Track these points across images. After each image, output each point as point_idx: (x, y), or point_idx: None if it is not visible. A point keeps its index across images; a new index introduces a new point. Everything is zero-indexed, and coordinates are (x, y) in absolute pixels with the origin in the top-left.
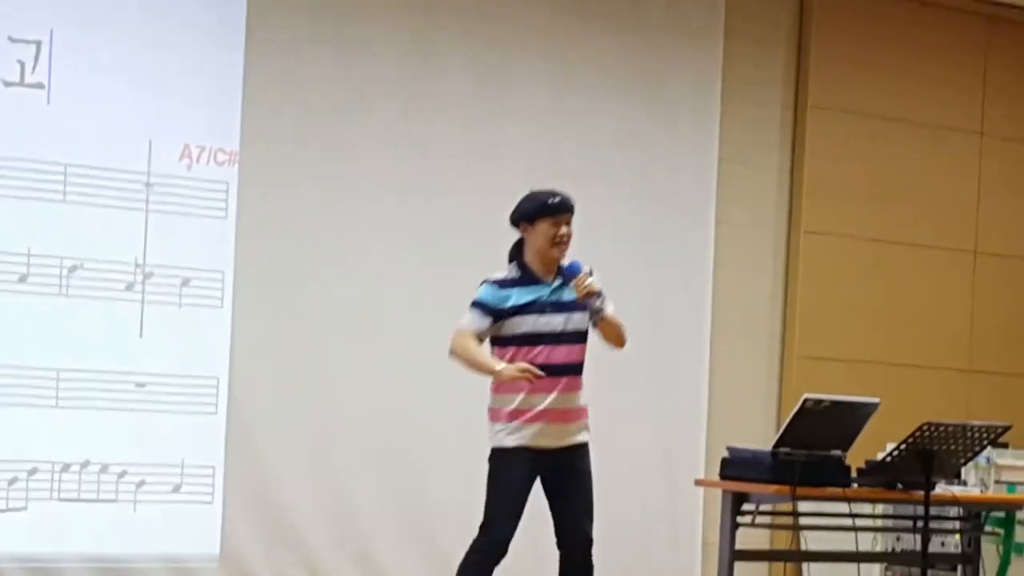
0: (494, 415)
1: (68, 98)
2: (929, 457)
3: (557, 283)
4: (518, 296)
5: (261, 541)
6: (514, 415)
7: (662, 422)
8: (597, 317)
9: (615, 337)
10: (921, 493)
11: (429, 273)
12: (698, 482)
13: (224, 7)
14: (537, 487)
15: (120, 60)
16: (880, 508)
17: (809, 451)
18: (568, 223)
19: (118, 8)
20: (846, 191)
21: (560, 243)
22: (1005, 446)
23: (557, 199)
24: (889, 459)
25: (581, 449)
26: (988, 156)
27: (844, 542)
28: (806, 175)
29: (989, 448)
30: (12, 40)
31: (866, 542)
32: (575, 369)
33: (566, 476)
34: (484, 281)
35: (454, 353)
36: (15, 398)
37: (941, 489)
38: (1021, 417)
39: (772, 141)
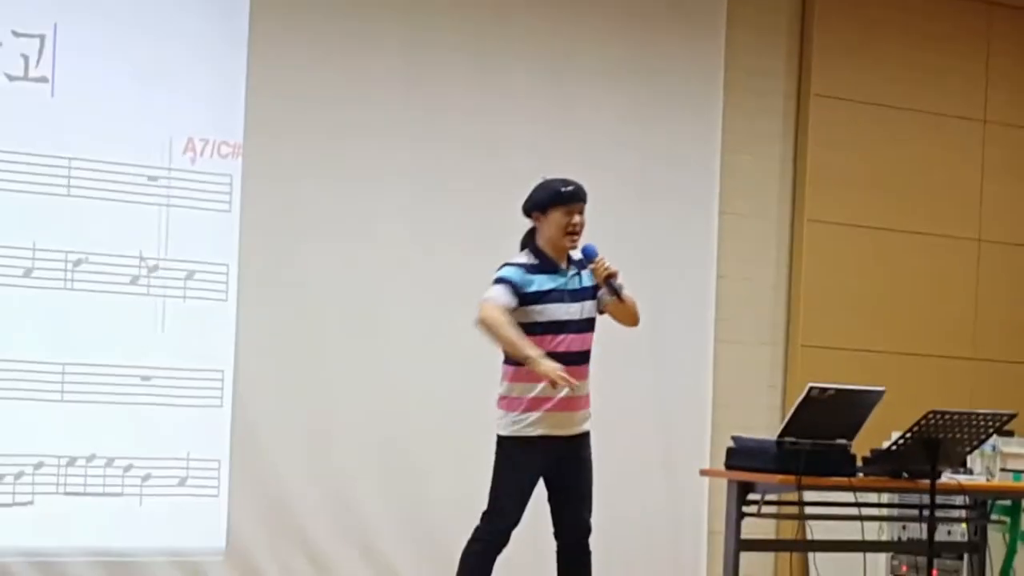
0: (511, 403)
1: (72, 92)
2: (935, 445)
3: (572, 271)
4: (540, 283)
5: (266, 534)
6: (535, 404)
7: (666, 412)
8: (615, 299)
9: (630, 315)
10: (927, 482)
11: (433, 266)
12: (703, 472)
13: (228, 2)
14: None
15: (124, 54)
16: (886, 497)
17: (814, 440)
18: (581, 212)
19: (122, 1)
20: (849, 180)
21: (573, 232)
22: (1011, 434)
23: (570, 188)
24: (894, 448)
25: (586, 438)
26: (991, 143)
27: (850, 531)
28: (809, 164)
29: (995, 436)
30: (16, 34)
31: (872, 531)
32: (587, 357)
33: (571, 465)
34: (506, 264)
35: (485, 323)
36: (21, 392)
37: (947, 478)
38: None
39: (775, 130)
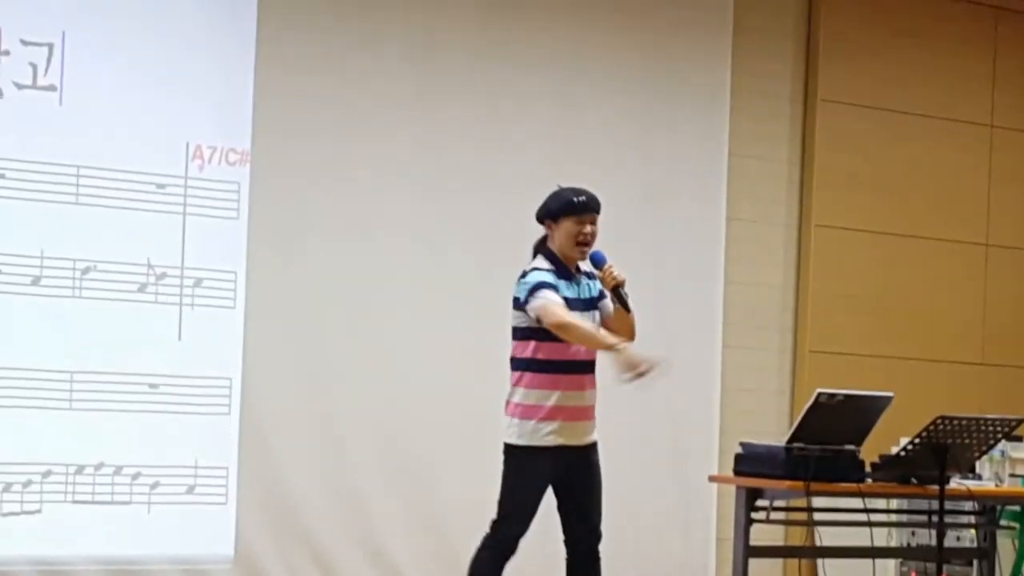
0: (526, 411)
1: (80, 100)
2: (943, 451)
3: (584, 281)
4: (561, 289)
5: (275, 541)
6: (554, 413)
7: (674, 418)
8: (620, 308)
9: (629, 330)
10: (935, 487)
11: (442, 271)
12: (712, 478)
13: (236, 11)
14: None
15: (132, 62)
16: (895, 503)
17: (823, 446)
18: (593, 223)
19: (129, 10)
20: (856, 184)
21: (583, 242)
22: (1019, 439)
23: (583, 198)
24: (903, 453)
25: (595, 447)
26: (999, 148)
27: (859, 537)
28: (816, 169)
29: (1003, 441)
30: (24, 43)
31: (881, 537)
32: (594, 366)
33: (581, 473)
34: (534, 269)
35: (563, 328)
36: (29, 400)
37: (955, 483)
38: None
39: (782, 135)
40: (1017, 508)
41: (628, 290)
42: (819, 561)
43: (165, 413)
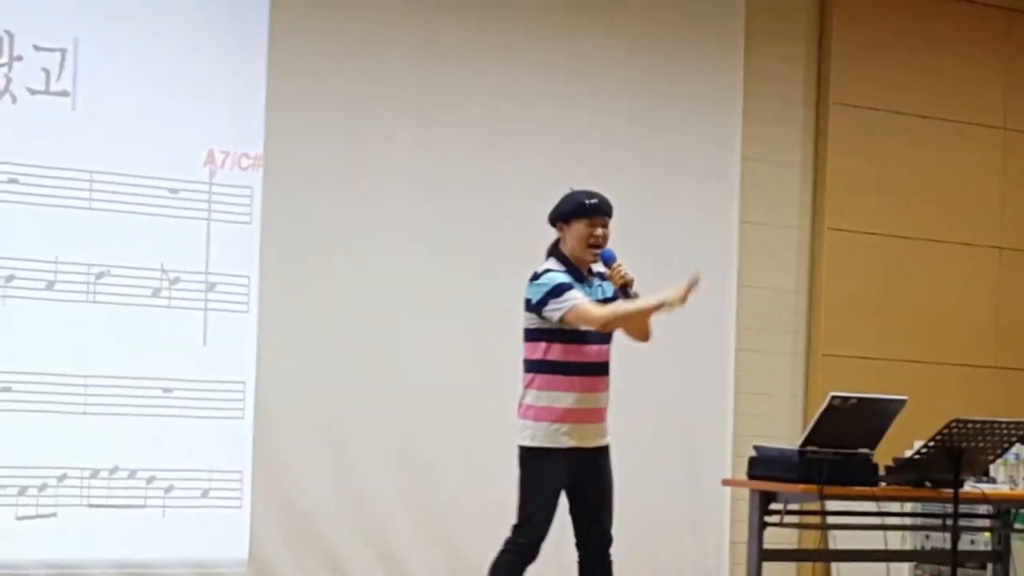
0: (539, 413)
1: (93, 106)
2: (957, 454)
3: (596, 283)
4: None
5: (289, 545)
6: (567, 414)
7: (688, 422)
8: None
9: (643, 329)
10: (950, 491)
11: (455, 275)
12: (725, 482)
13: (247, 16)
14: None
15: (145, 67)
16: (909, 506)
17: (836, 449)
18: (604, 226)
19: (142, 16)
20: (869, 188)
21: (595, 245)
22: None
23: (594, 201)
24: (917, 457)
25: (607, 450)
26: (1012, 151)
27: (873, 541)
28: (829, 172)
29: (1018, 444)
30: (37, 48)
31: (895, 540)
32: (608, 368)
33: (593, 476)
34: (548, 271)
35: (610, 320)
36: (44, 404)
37: (970, 487)
38: None
39: (794, 138)
40: None
41: (639, 291)
42: (833, 565)
43: (179, 417)
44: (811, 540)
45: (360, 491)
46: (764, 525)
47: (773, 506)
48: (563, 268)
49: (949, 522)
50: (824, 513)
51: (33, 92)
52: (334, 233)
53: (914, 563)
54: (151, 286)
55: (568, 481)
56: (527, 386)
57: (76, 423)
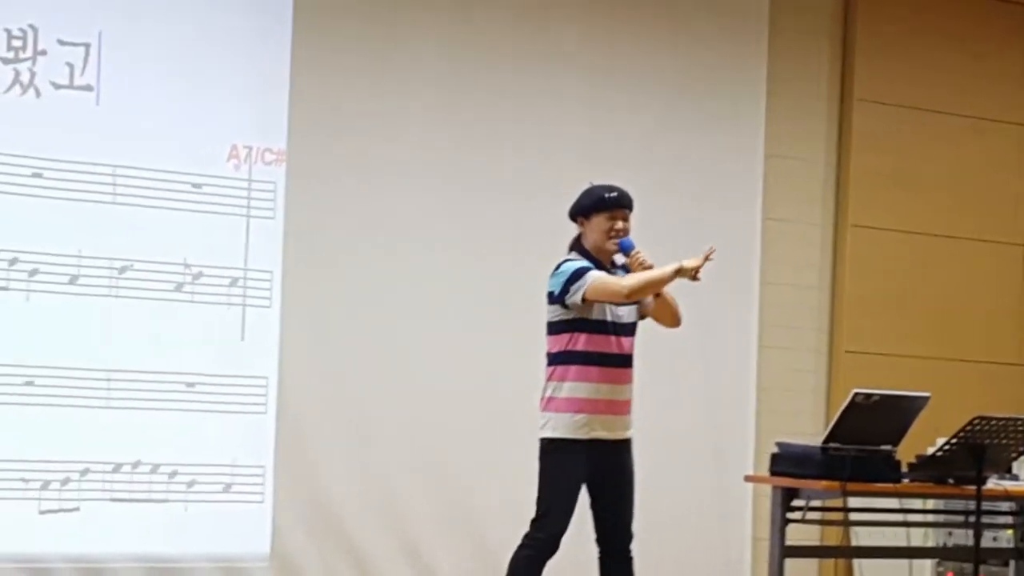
0: (561, 404)
1: (117, 100)
2: (980, 451)
3: (620, 274)
4: None
5: (311, 540)
6: (588, 405)
7: (710, 418)
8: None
9: (672, 314)
10: (972, 488)
11: (478, 270)
12: (748, 478)
13: (271, 9)
14: None
15: (169, 62)
16: (931, 503)
17: (859, 446)
18: (625, 219)
19: (166, 10)
20: (892, 185)
21: (616, 237)
22: None
23: (614, 194)
24: (940, 454)
25: (629, 444)
26: None
27: (895, 538)
28: (852, 169)
29: None
30: (61, 43)
31: (917, 537)
32: (631, 361)
33: (614, 471)
34: (565, 261)
35: (627, 288)
36: (67, 399)
37: (993, 483)
38: None
39: (818, 135)
40: None
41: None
42: (855, 561)
43: (202, 412)
44: (833, 537)
45: (382, 485)
46: (786, 521)
47: (795, 502)
48: (584, 261)
49: (972, 519)
50: (846, 510)
51: (57, 86)
52: (358, 229)
53: (936, 560)
54: (174, 281)
55: (589, 475)
56: (549, 378)
57: (99, 417)
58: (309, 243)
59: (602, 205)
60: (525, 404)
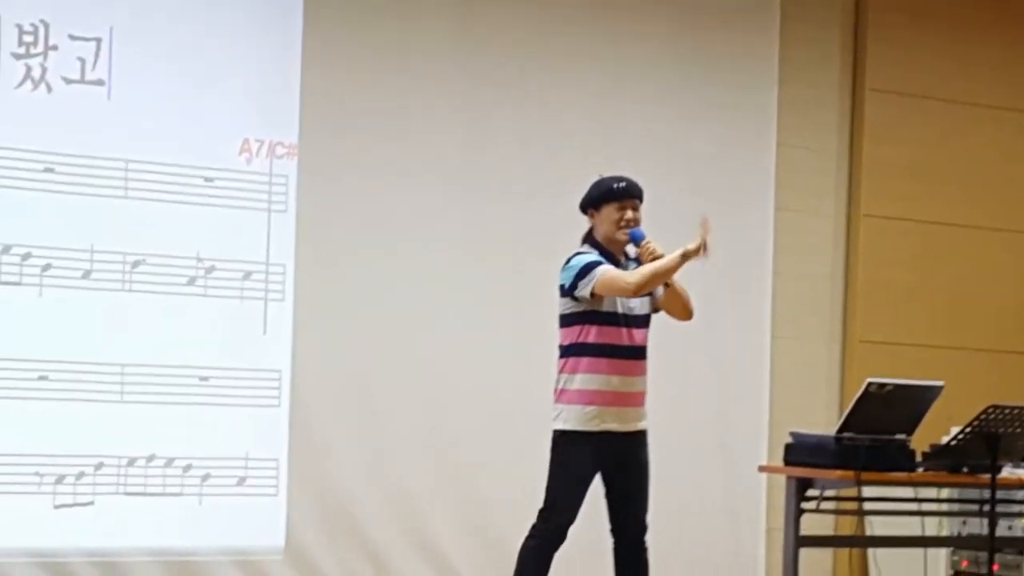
0: (573, 396)
1: (128, 94)
2: (995, 440)
3: (633, 265)
4: None
5: (326, 533)
6: (600, 397)
7: (724, 408)
8: (669, 286)
9: (682, 307)
10: (987, 476)
11: (488, 265)
12: (761, 468)
13: (281, 4)
14: None
15: (179, 56)
16: (946, 492)
17: (873, 436)
18: (635, 209)
19: (177, 5)
20: (905, 174)
21: (626, 227)
22: None
23: (623, 184)
24: (954, 443)
25: (643, 436)
26: None
27: (910, 527)
28: (864, 158)
29: None
30: (72, 38)
31: (932, 527)
32: (644, 353)
33: (629, 464)
34: (576, 254)
35: (634, 283)
36: (80, 393)
37: (1007, 472)
38: None
39: (830, 125)
40: None
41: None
42: (870, 551)
43: (215, 406)
44: (847, 526)
45: (396, 479)
46: (800, 511)
47: (809, 492)
48: (596, 253)
49: (986, 508)
50: (861, 499)
51: (68, 81)
52: (370, 222)
53: (951, 549)
54: (187, 275)
55: (602, 466)
56: (561, 370)
57: (113, 411)
58: (323, 236)
59: (611, 195)
60: (539, 398)
